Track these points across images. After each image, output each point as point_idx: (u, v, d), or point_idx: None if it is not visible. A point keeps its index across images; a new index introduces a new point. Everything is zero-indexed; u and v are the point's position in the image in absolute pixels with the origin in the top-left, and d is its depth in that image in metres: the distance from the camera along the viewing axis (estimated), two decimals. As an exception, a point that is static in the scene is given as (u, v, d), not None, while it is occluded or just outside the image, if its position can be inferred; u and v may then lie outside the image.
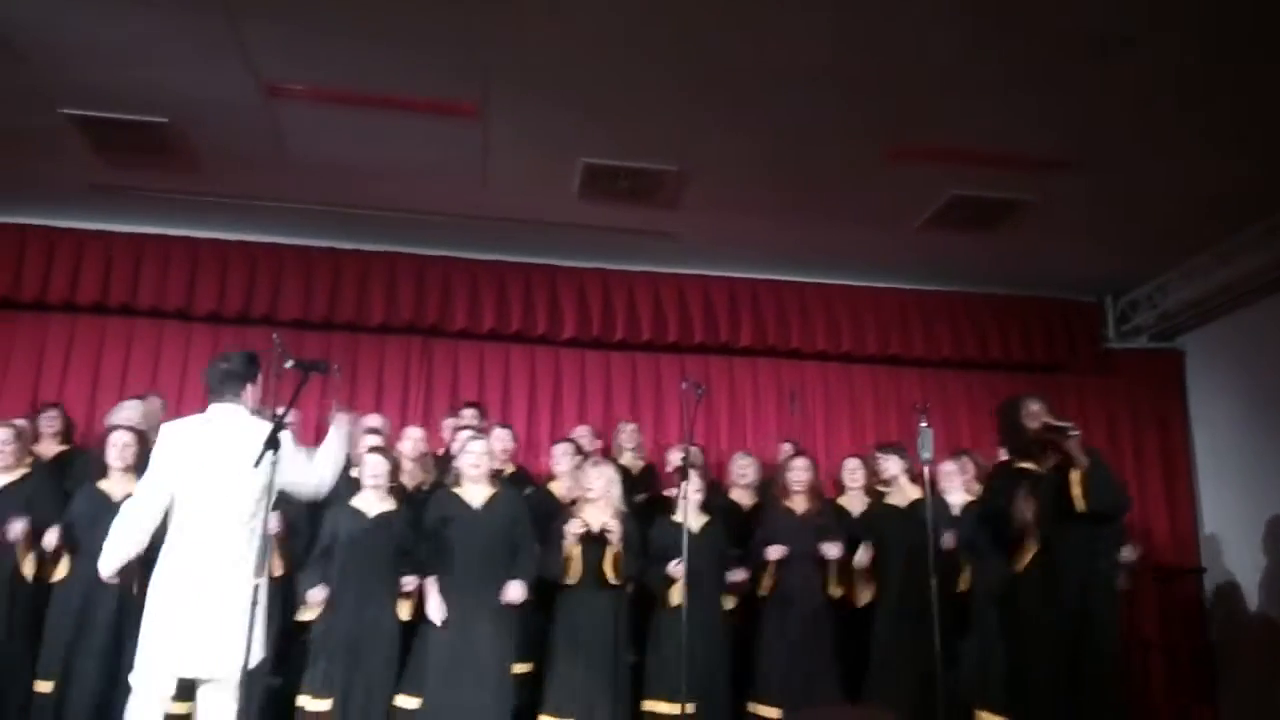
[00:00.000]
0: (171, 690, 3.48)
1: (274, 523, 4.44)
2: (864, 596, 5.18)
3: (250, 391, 3.77)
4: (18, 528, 4.56)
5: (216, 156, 5.54)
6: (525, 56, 4.46)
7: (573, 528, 4.76)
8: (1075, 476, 4.27)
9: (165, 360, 6.54)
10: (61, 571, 4.66)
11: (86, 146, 5.38)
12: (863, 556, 5.09)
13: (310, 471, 3.77)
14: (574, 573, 4.79)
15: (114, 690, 4.50)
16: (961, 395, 7.33)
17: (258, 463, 3.46)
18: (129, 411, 5.32)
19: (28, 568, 4.68)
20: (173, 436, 3.68)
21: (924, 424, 4.57)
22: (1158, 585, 6.88)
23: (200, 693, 3.54)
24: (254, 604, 3.42)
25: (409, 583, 4.64)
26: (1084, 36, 4.17)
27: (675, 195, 5.84)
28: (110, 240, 6.47)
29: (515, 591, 4.60)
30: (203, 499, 3.53)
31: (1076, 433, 4.31)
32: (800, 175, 5.58)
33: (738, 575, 5.00)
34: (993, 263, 6.83)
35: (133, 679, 3.49)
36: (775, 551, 5.07)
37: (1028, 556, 4.39)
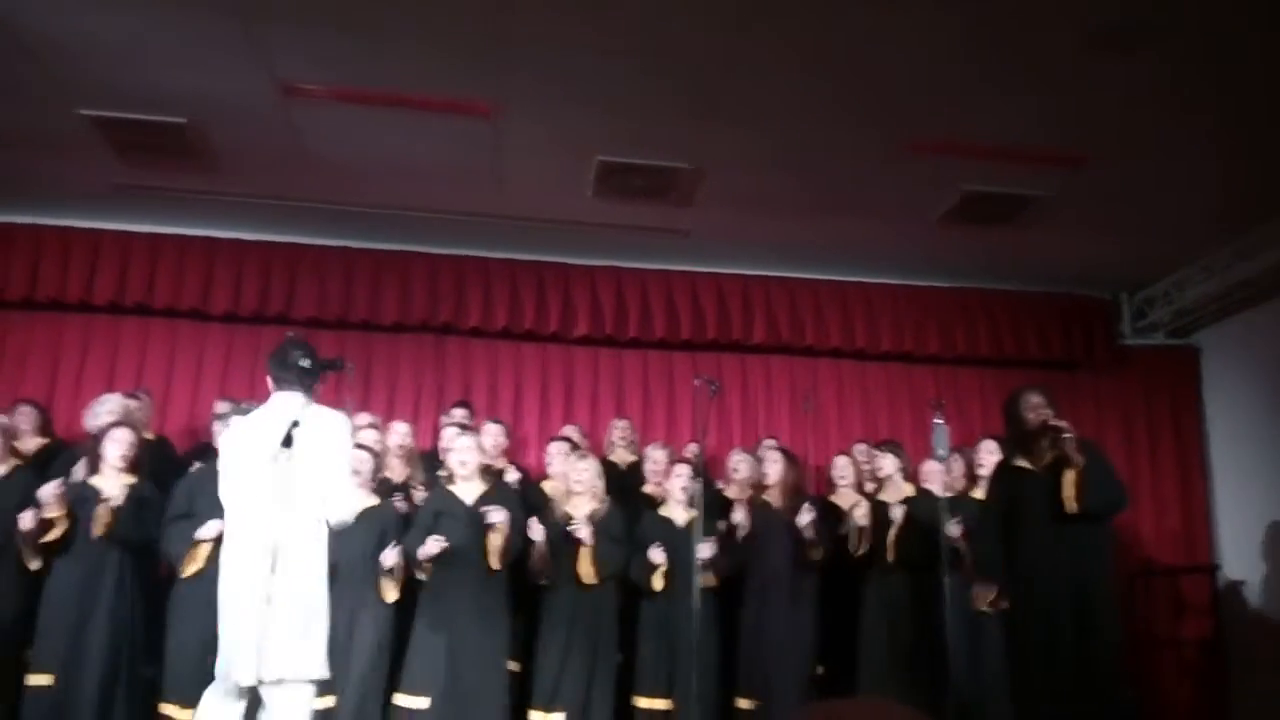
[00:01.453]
0: (240, 695, 3.43)
1: (390, 557, 4.61)
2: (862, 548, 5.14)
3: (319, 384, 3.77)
4: (28, 517, 4.53)
5: (233, 156, 5.58)
6: (540, 55, 4.48)
7: (535, 533, 4.78)
8: (1069, 477, 4.22)
9: (180, 360, 6.58)
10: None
11: (106, 147, 5.42)
12: (804, 518, 4.98)
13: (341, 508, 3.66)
14: (548, 574, 4.84)
15: (116, 680, 4.55)
16: (975, 393, 7.30)
17: (274, 458, 3.49)
18: (112, 405, 5.28)
19: (34, 561, 4.65)
20: (233, 435, 3.65)
21: (939, 420, 4.57)
22: (1170, 582, 6.86)
23: (266, 693, 3.44)
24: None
25: (390, 557, 4.60)
26: (1100, 30, 4.15)
27: (689, 192, 5.85)
28: (127, 240, 6.51)
29: (497, 515, 4.60)
30: (260, 490, 3.44)
31: (1069, 435, 4.27)
32: (815, 172, 5.58)
33: (704, 550, 4.77)
34: (1008, 259, 6.80)
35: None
36: (739, 513, 5.09)
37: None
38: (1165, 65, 4.41)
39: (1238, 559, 6.97)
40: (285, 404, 3.60)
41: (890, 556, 5.08)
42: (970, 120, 4.96)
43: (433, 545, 4.56)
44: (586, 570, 4.80)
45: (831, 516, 5.33)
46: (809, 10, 4.08)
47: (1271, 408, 6.75)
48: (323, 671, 3.48)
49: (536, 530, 4.79)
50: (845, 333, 7.11)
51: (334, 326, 6.70)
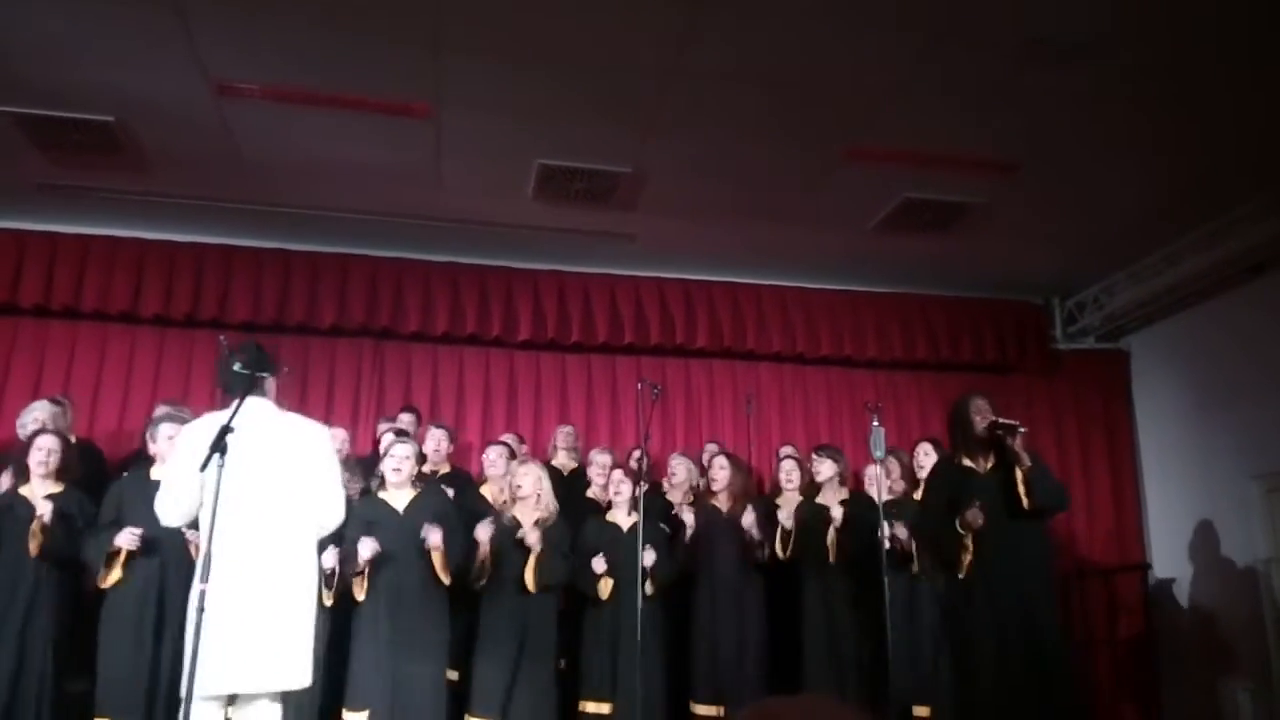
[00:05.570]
0: (220, 707, 3.32)
1: (329, 558, 4.40)
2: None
3: (272, 384, 3.65)
4: None
5: (165, 156, 5.45)
6: (479, 57, 4.45)
7: (481, 534, 4.76)
8: (1020, 475, 4.33)
9: (109, 364, 6.41)
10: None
11: (30, 145, 5.27)
12: (747, 518, 5.11)
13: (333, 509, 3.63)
14: (487, 575, 4.81)
15: (36, 696, 4.43)
16: (913, 396, 7.42)
17: (204, 466, 3.40)
18: (39, 413, 5.14)
19: None
20: (196, 436, 3.44)
21: (876, 423, 4.64)
22: (1103, 581, 7.02)
23: (237, 707, 3.33)
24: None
25: (329, 558, 4.42)
26: (1034, 43, 4.24)
27: (631, 197, 5.85)
28: (54, 241, 6.31)
29: (435, 536, 4.54)
30: (239, 499, 3.30)
31: (1024, 430, 4.39)
32: (755, 177, 5.62)
33: (648, 558, 4.88)
34: (944, 264, 6.92)
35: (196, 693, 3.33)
36: (687, 514, 5.16)
37: (967, 560, 4.39)
38: (1097, 78, 4.52)
39: (1168, 558, 7.16)
40: (251, 410, 3.47)
41: (832, 557, 5.11)
42: (909, 129, 5.04)
43: (367, 548, 4.46)
44: (530, 579, 4.79)
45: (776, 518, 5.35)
46: (750, 19, 4.11)
47: (1198, 408, 6.95)
48: (305, 680, 3.40)
49: (483, 531, 4.76)
50: (786, 337, 7.17)
51: (269, 330, 6.55)
